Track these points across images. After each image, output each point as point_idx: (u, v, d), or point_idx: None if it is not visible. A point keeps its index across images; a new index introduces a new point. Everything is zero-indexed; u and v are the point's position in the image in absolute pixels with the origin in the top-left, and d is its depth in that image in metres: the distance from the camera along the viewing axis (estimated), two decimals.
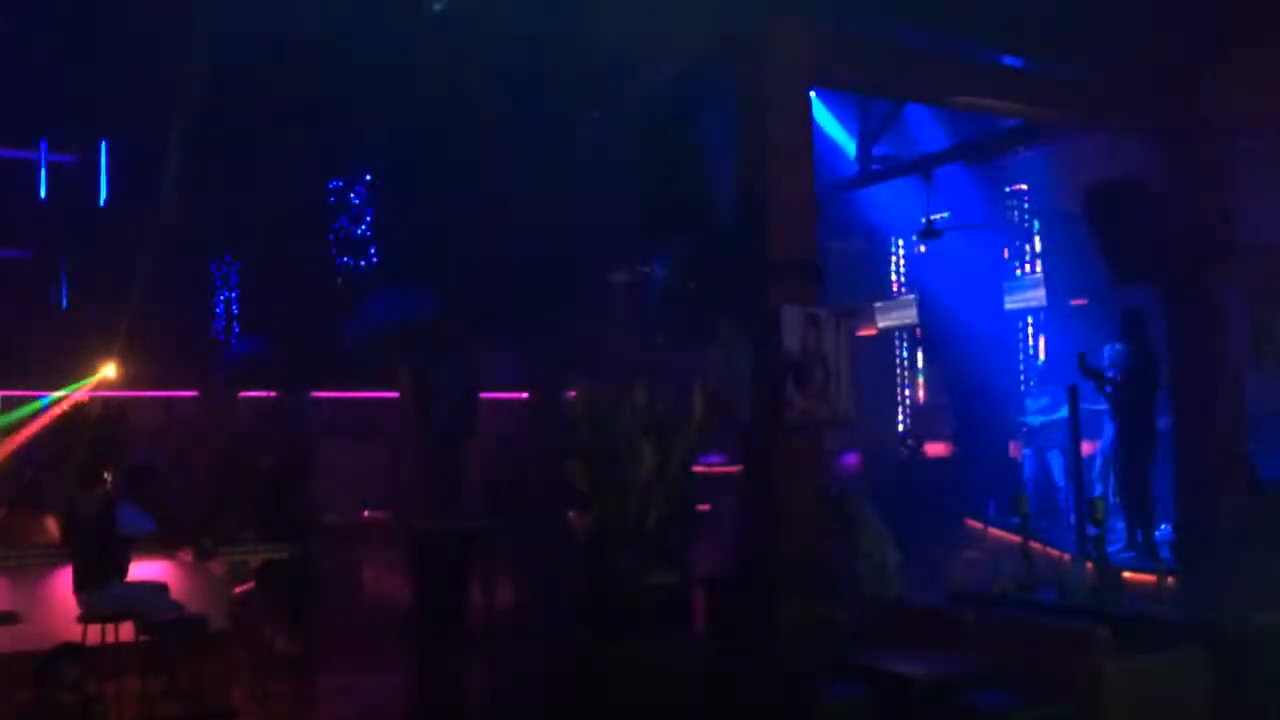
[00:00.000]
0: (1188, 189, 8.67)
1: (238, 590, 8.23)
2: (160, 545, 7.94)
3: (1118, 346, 9.47)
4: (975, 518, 11.01)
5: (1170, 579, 6.48)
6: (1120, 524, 9.39)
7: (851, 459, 13.07)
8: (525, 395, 12.00)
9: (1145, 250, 8.50)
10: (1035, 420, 11.83)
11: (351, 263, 12.02)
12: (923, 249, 12.99)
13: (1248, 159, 9.10)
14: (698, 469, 8.62)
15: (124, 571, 7.28)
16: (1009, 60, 8.41)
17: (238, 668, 7.94)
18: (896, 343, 14.79)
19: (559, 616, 8.29)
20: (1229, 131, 8.69)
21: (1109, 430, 9.92)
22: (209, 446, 12.26)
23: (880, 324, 14.18)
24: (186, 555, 8.07)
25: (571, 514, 7.80)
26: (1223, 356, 8.61)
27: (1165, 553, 8.59)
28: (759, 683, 5.70)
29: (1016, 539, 6.97)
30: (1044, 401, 11.82)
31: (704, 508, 9.01)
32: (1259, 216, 8.86)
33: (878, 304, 14.04)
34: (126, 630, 7.04)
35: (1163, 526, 9.27)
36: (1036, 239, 12.88)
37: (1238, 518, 8.13)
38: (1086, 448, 9.76)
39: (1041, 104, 8.55)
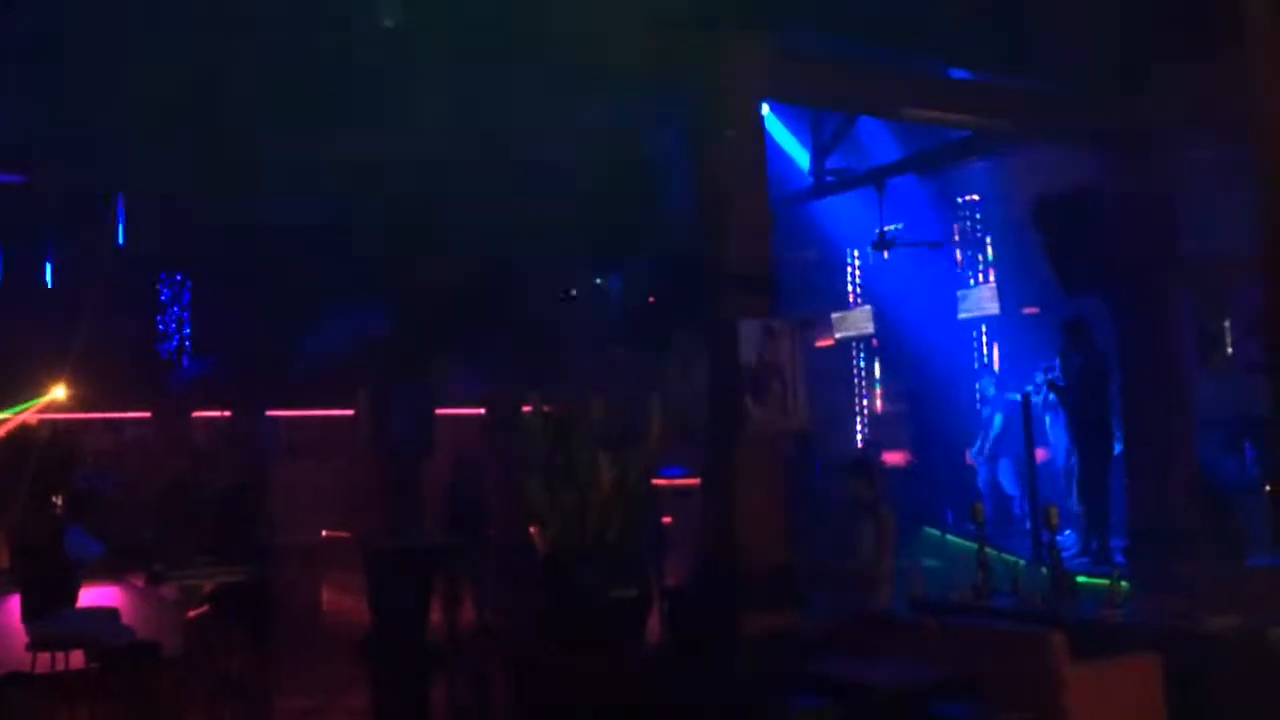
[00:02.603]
0: (1135, 199, 8.82)
1: (191, 614, 8.08)
2: (111, 570, 7.79)
3: (1070, 355, 9.62)
4: (933, 526, 11.09)
5: (1124, 583, 6.56)
6: (1075, 530, 9.51)
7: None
8: (482, 411, 11.94)
9: (1093, 260, 8.63)
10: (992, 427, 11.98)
11: (305, 280, 11.92)
12: (885, 255, 13.06)
13: (1194, 169, 9.28)
14: (660, 482, 8.64)
15: (73, 598, 7.13)
16: (957, 73, 8.53)
17: (192, 694, 7.79)
18: (854, 353, 14.89)
19: (521, 633, 8.23)
20: (1176, 142, 8.86)
21: (1060, 439, 10.06)
22: (162, 468, 12.05)
23: (837, 334, 14.27)
24: (138, 580, 7.93)
25: (532, 529, 7.76)
26: (1171, 364, 8.76)
27: (1119, 558, 8.70)
28: (721, 695, 5.69)
29: (974, 546, 7.02)
30: (999, 417, 11.94)
31: (667, 520, 9.01)
32: (1205, 225, 9.03)
33: (835, 315, 14.13)
34: (77, 658, 6.89)
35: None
36: (989, 249, 13.03)
37: (1189, 522, 8.26)
38: (1040, 454, 9.90)
39: (990, 116, 8.69)
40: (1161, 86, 8.39)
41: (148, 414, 14.74)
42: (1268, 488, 8.74)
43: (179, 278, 14.21)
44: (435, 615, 9.27)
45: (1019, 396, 10.32)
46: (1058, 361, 9.66)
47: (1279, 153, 3.54)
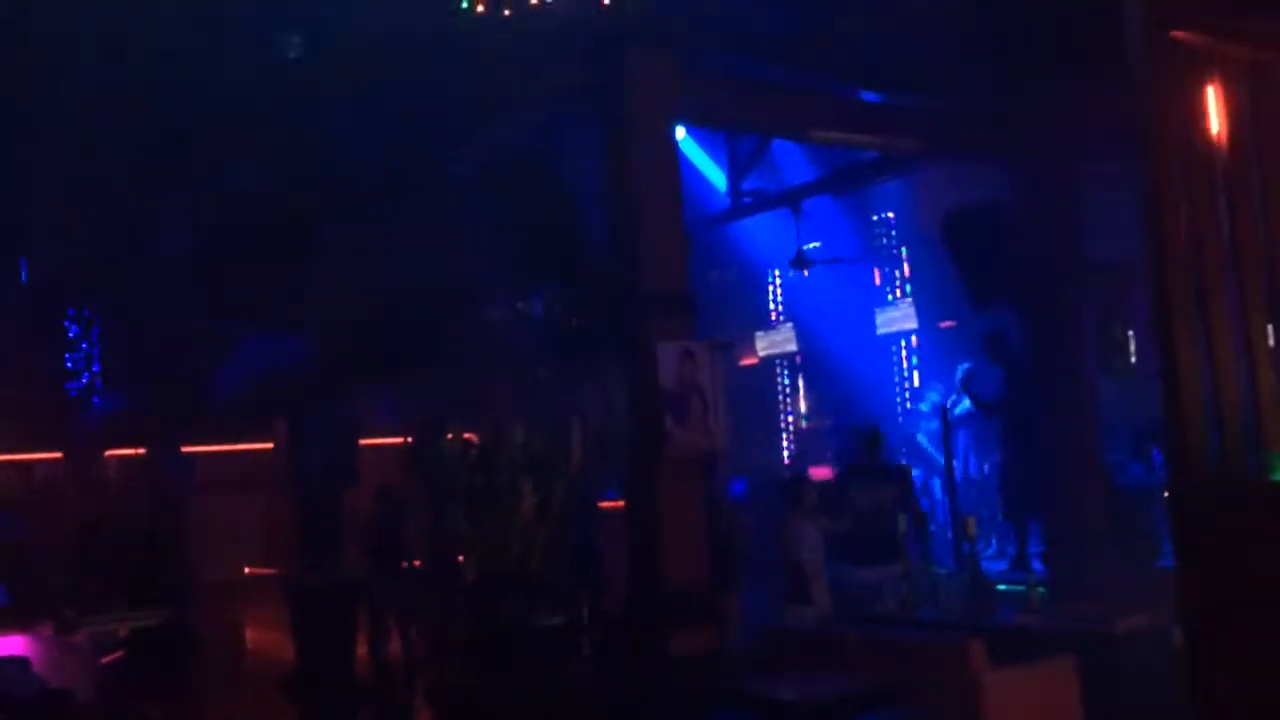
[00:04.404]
0: (1039, 212, 9.09)
1: (105, 661, 7.83)
2: (18, 619, 7.52)
3: (970, 366, 9.86)
4: None
5: (1040, 589, 6.71)
6: (996, 538, 9.71)
7: (739, 487, 13.20)
8: (404, 440, 11.78)
9: (1001, 272, 8.86)
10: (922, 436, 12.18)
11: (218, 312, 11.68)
12: (805, 273, 13.23)
13: (1095, 181, 9.57)
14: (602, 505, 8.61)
15: None
16: (866, 95, 8.70)
17: None
18: (778, 370, 15.05)
19: (447, 664, 8.13)
20: (1077, 156, 9.14)
21: (971, 451, 10.28)
22: (74, 510, 11.68)
23: (760, 353, 14.42)
24: (47, 629, 7.67)
25: (460, 558, 7.70)
26: (1078, 370, 9.01)
27: (1036, 564, 8.89)
28: (648, 717, 5.69)
29: None
30: (920, 421, 12.16)
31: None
32: (1108, 236, 9.32)
33: (757, 333, 14.27)
34: None
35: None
36: (905, 265, 13.27)
37: (1098, 526, 8.48)
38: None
39: (898, 136, 8.89)
40: (1066, 104, 8.66)
41: (58, 454, 14.28)
42: (1166, 493, 9.03)
43: (87, 313, 13.81)
44: (361, 649, 9.12)
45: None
46: (961, 375, 9.88)
47: (1160, 167, 3.70)
